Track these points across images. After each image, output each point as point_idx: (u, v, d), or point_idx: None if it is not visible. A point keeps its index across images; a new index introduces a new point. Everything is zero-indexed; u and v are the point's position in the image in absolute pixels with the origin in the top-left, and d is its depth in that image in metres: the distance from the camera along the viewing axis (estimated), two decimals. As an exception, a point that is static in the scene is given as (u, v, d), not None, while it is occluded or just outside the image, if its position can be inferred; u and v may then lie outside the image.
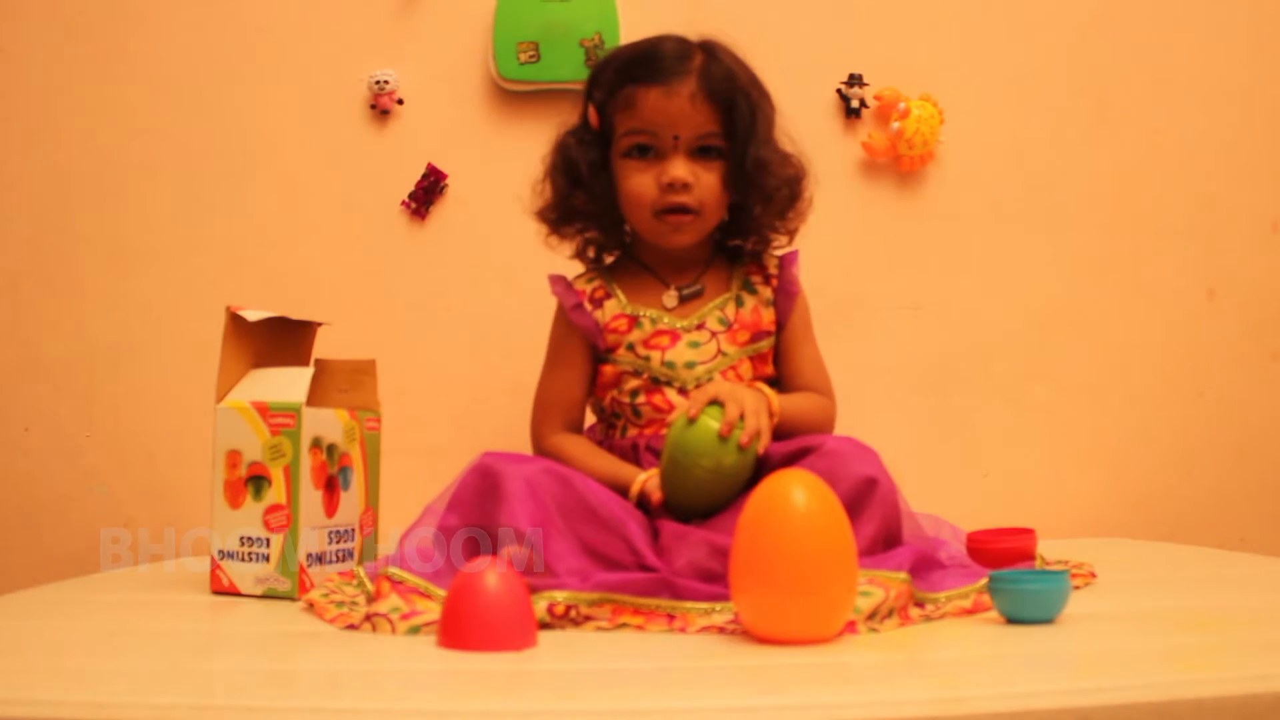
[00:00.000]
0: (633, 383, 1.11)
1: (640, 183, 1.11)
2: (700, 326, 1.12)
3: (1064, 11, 1.55)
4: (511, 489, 0.93)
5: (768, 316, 1.14)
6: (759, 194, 1.12)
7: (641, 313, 1.13)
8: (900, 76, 1.51)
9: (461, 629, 0.77)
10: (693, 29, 1.14)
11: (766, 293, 1.15)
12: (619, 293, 1.15)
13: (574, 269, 1.20)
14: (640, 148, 1.11)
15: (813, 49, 1.52)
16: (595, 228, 1.17)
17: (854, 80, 1.52)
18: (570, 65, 1.45)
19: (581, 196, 1.14)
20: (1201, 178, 1.56)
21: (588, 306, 1.14)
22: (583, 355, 1.15)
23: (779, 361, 1.16)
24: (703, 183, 1.10)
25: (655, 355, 1.10)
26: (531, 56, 1.45)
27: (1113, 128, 1.55)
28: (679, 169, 1.09)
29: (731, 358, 1.11)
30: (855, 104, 1.51)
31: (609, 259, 1.20)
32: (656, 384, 1.10)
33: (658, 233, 1.12)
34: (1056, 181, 1.55)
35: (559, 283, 1.16)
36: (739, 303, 1.13)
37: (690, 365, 1.10)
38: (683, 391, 1.10)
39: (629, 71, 1.10)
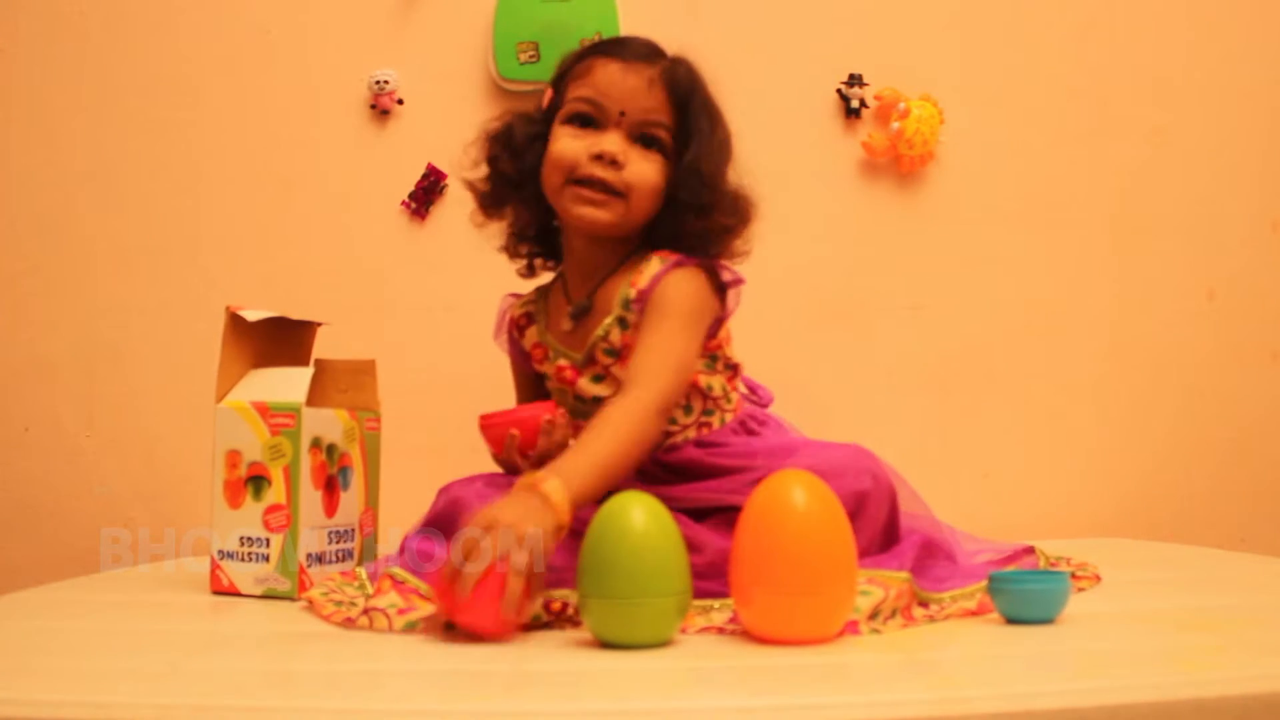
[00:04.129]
0: (568, 402, 1.08)
1: (569, 147, 1.03)
2: (592, 361, 1.05)
3: (1064, 11, 1.55)
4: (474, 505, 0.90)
5: None
6: (695, 205, 1.03)
7: (550, 343, 1.09)
8: (900, 76, 1.51)
9: (454, 595, 0.76)
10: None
11: (634, 316, 1.03)
12: (540, 318, 1.12)
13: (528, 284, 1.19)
14: (582, 116, 1.03)
15: (813, 49, 1.52)
16: (520, 205, 1.10)
17: (854, 80, 1.52)
18: (570, 65, 1.45)
19: (510, 162, 1.07)
20: (1201, 178, 1.56)
21: (515, 334, 1.14)
22: (524, 374, 1.16)
23: None
24: (636, 168, 1.02)
25: (568, 390, 1.07)
26: (531, 56, 1.45)
27: (1113, 128, 1.55)
28: (612, 143, 1.01)
29: None
30: (855, 104, 1.51)
31: (544, 273, 1.16)
32: (582, 403, 1.06)
33: (565, 205, 1.04)
34: (1056, 181, 1.55)
35: (501, 305, 1.17)
36: (623, 325, 1.03)
37: (597, 400, 1.03)
38: None
39: (595, 48, 1.07)
